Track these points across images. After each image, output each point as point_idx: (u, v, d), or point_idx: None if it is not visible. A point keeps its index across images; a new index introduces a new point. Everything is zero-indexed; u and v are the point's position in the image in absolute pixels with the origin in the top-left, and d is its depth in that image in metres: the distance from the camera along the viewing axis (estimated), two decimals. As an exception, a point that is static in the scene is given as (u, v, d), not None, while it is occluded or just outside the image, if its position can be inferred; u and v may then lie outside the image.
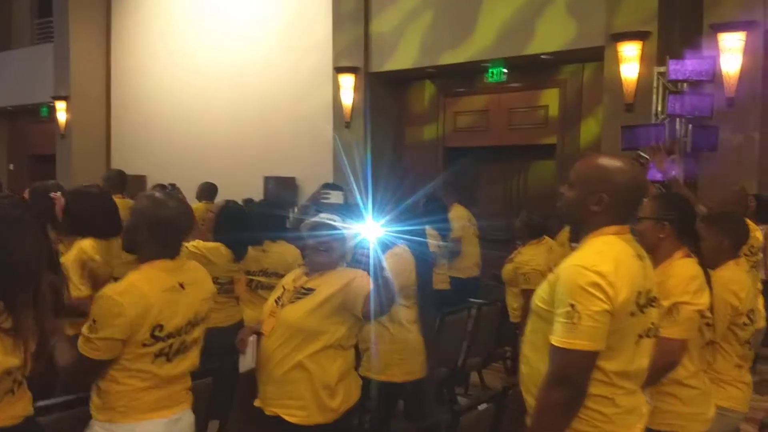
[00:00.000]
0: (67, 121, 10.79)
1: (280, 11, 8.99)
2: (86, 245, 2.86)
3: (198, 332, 2.19)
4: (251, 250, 3.55)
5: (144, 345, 2.02)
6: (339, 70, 7.95)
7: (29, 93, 11.57)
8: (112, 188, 4.77)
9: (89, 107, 10.85)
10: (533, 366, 1.80)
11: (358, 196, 3.35)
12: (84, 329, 2.01)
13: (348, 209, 3.26)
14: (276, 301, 2.49)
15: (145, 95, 10.53)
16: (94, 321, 1.98)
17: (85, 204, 3.00)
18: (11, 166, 13.05)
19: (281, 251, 3.73)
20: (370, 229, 2.17)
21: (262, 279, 3.67)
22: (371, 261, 2.17)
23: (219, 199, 7.19)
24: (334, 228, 2.47)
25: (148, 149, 10.40)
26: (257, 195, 8.41)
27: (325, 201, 4.35)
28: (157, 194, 2.24)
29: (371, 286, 2.26)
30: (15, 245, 1.68)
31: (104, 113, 11.08)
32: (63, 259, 2.75)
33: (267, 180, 8.81)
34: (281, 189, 8.61)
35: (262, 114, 9.09)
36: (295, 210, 4.49)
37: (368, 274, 2.28)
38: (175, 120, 10.07)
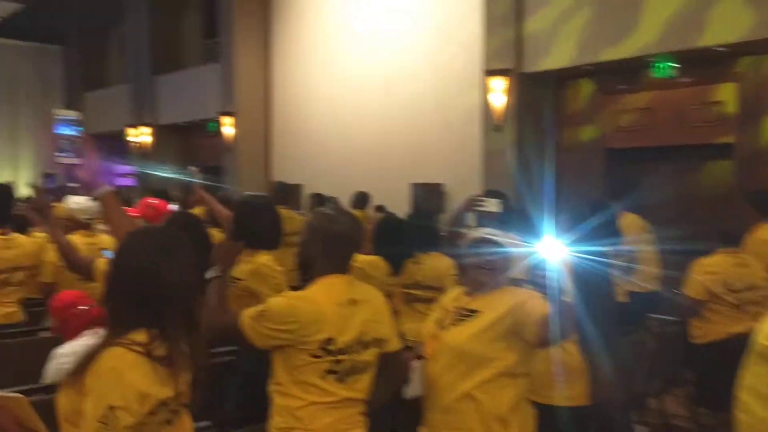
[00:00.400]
0: (232, 135, 11.51)
1: (428, 17, 8.99)
2: (265, 259, 2.93)
3: (369, 356, 2.13)
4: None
5: (314, 356, 2.01)
6: (490, 72, 7.77)
7: (199, 109, 12.47)
8: (277, 200, 4.94)
9: (252, 121, 11.48)
10: (755, 415, 1.54)
11: (521, 206, 3.13)
12: (257, 309, 2.06)
13: (511, 222, 3.06)
14: (436, 323, 2.36)
15: (302, 107, 10.97)
16: (267, 310, 2.04)
17: (253, 216, 3.06)
18: (184, 178, 14.17)
19: (434, 263, 3.62)
20: (551, 248, 1.96)
21: (417, 292, 3.58)
22: (552, 283, 1.96)
23: (367, 206, 7.32)
24: (499, 244, 2.29)
25: (303, 159, 10.82)
26: (404, 202, 8.47)
27: (480, 209, 4.15)
28: (330, 210, 2.25)
29: (551, 309, 2.03)
30: (164, 271, 1.63)
31: (265, 126, 11.67)
32: (239, 273, 2.82)
33: (414, 187, 8.81)
34: (428, 196, 8.57)
35: (410, 120, 9.14)
36: (445, 218, 4.36)
37: (544, 295, 2.07)
38: (327, 129, 10.40)
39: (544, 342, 2.13)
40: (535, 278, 2.14)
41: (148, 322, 1.60)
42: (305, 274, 2.24)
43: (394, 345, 2.25)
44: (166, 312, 1.61)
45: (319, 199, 6.76)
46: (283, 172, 10.94)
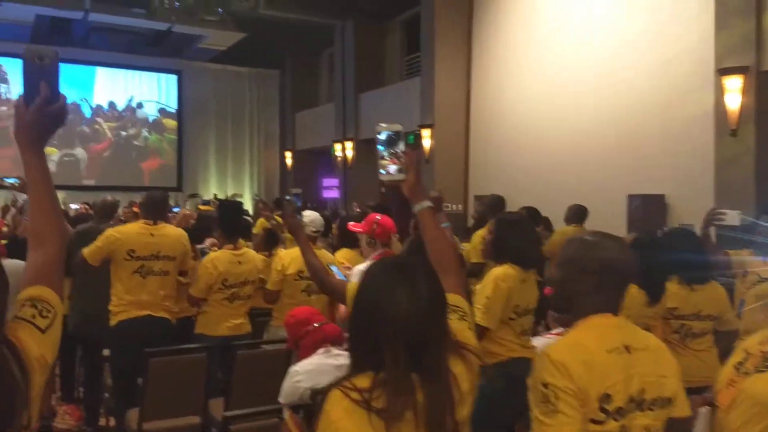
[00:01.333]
0: (430, 147, 11.57)
1: (648, 16, 8.28)
2: (501, 272, 2.90)
3: (650, 419, 1.69)
4: (673, 288, 3.05)
5: (594, 422, 1.61)
6: (722, 71, 6.93)
7: (399, 122, 12.67)
8: (491, 214, 4.75)
9: (450, 133, 11.46)
10: None
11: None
12: (537, 410, 1.64)
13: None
14: (736, 367, 1.94)
15: (500, 119, 10.72)
16: (545, 386, 1.63)
17: (514, 232, 3.07)
18: (383, 190, 14.57)
19: (713, 287, 3.19)
20: None
21: (694, 324, 3.12)
22: None
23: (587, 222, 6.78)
24: None
25: (501, 170, 10.53)
26: (620, 215, 7.81)
27: (719, 223, 3.65)
28: (590, 235, 1.86)
29: None
30: (385, 304, 1.40)
31: (463, 138, 11.59)
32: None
33: (631, 198, 8.10)
34: (646, 208, 7.83)
35: (624, 125, 8.46)
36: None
37: None
38: (528, 140, 10.04)
39: None
40: None
41: (376, 366, 1.37)
42: (563, 311, 1.93)
43: (683, 410, 1.81)
44: (388, 352, 1.36)
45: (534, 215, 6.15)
46: (480, 185, 10.75)
